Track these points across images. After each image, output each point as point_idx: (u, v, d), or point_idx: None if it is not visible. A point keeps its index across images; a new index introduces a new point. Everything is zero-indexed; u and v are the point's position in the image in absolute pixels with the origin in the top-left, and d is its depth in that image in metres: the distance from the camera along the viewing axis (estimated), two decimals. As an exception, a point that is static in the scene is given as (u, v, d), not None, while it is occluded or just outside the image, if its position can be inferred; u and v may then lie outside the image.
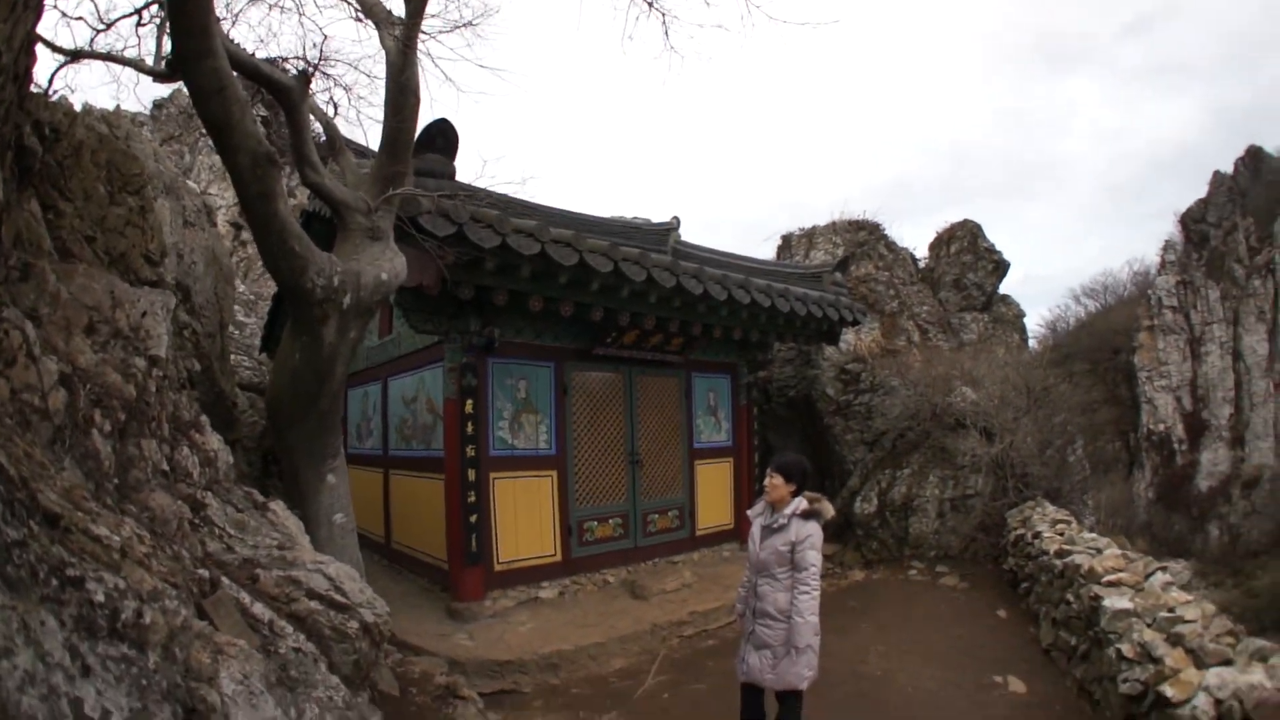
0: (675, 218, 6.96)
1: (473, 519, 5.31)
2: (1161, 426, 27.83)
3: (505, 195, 5.09)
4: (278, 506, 3.63)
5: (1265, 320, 27.28)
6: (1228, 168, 33.22)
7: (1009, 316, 11.36)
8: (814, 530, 3.68)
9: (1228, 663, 3.72)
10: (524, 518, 5.68)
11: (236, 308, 9.75)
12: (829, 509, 3.81)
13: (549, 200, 6.81)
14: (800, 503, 3.76)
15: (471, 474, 5.31)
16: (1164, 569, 5.12)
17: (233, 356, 8.12)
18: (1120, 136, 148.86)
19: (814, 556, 3.69)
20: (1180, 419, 27.78)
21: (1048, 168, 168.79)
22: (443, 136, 4.84)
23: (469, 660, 4.60)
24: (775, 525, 3.75)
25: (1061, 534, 6.26)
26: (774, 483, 3.79)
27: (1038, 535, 6.39)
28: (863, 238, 10.90)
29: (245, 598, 2.31)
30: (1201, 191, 33.68)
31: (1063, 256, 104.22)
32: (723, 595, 5.90)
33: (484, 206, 4.80)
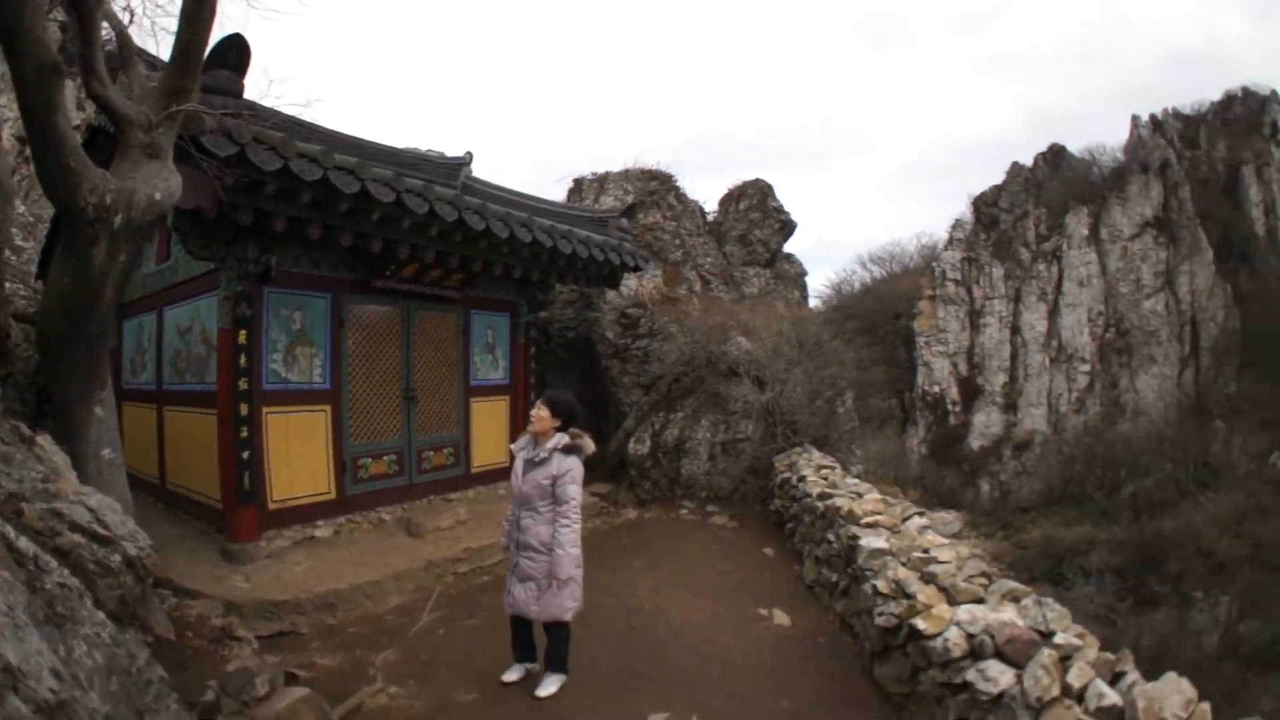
0: (469, 153, 8.62)
1: (245, 456, 6.65)
2: (936, 388, 37.61)
3: (295, 118, 6.29)
4: (45, 440, 4.33)
5: (1046, 301, 37.98)
6: (1029, 161, 44.87)
7: (791, 274, 14.86)
8: (574, 465, 4.85)
9: (980, 601, 4.96)
10: (298, 455, 7.16)
11: (15, 230, 9.91)
12: (590, 445, 4.97)
13: (343, 127, 8.05)
14: (562, 437, 4.88)
15: (244, 408, 6.64)
16: (921, 514, 7.12)
17: (8, 285, 8.12)
18: (931, 120, 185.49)
19: (574, 490, 4.82)
20: (955, 383, 37.59)
21: (855, 141, 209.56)
22: (235, 52, 5.80)
23: (245, 602, 5.73)
24: (537, 459, 4.88)
25: (825, 479, 8.54)
26: (540, 414, 4.94)
27: (803, 479, 8.69)
28: (654, 187, 13.49)
29: (10, 531, 2.65)
30: (999, 179, 45.16)
31: (857, 225, 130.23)
32: (496, 532, 7.34)
33: (270, 128, 5.84)
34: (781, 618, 6.66)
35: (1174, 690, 3.83)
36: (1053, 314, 37.88)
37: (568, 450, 4.85)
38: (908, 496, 32.55)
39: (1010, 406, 37.20)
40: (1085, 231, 38.48)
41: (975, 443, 36.85)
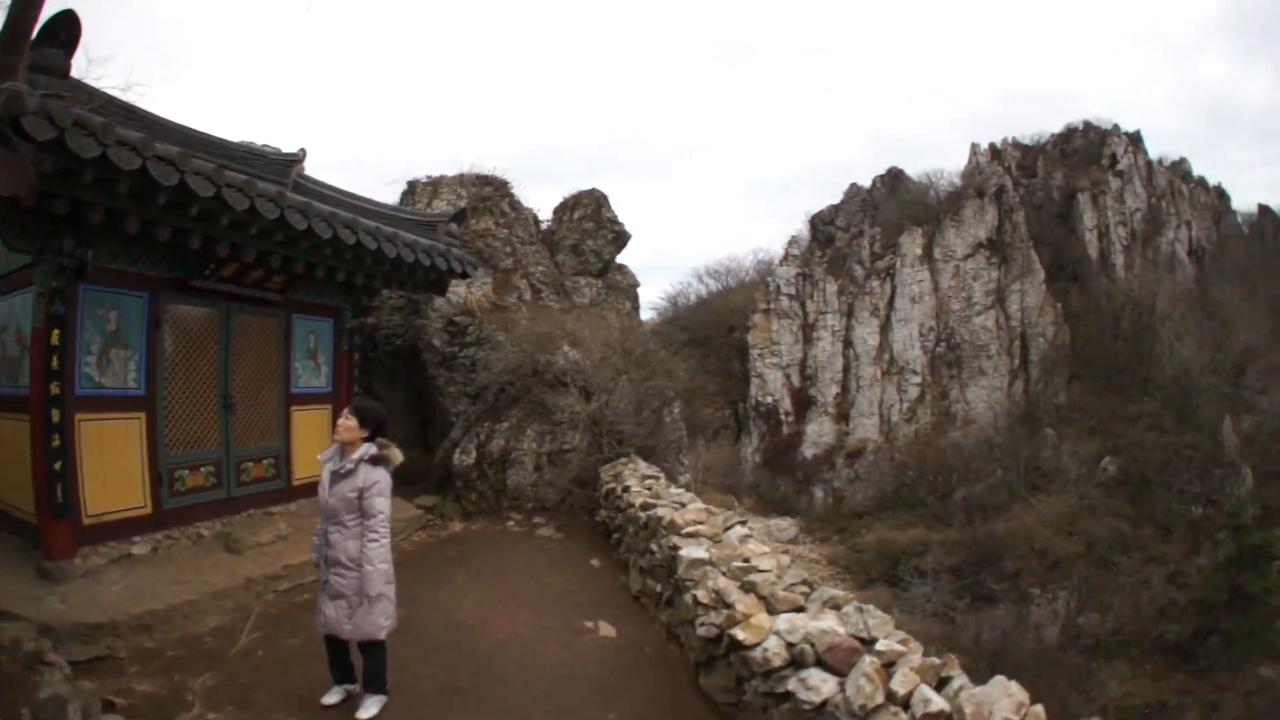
0: (302, 149, 9.37)
1: (58, 466, 7.02)
2: (769, 399, 42.56)
3: (124, 103, 6.77)
4: None
5: (878, 316, 43.69)
6: (867, 183, 51.98)
7: (623, 285, 16.41)
8: (381, 476, 5.23)
9: (800, 609, 5.42)
10: (112, 465, 7.60)
11: None
12: (397, 455, 5.39)
13: (180, 116, 8.40)
14: (369, 448, 5.25)
15: (55, 415, 7.01)
16: (743, 523, 7.87)
17: None
18: (775, 141, 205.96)
19: (381, 503, 5.19)
20: (788, 393, 42.63)
21: (698, 156, 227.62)
22: (66, 30, 6.06)
23: (61, 625, 5.99)
24: (344, 470, 5.23)
25: (649, 489, 9.43)
26: (347, 424, 5.29)
27: (627, 489, 9.63)
28: (488, 193, 14.63)
29: None
30: (837, 199, 52.00)
31: (697, 239, 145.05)
32: (316, 548, 8.69)
33: (95, 111, 6.12)
34: (608, 629, 7.33)
35: (1003, 694, 4.10)
36: (885, 328, 43.59)
37: (375, 461, 5.25)
38: (742, 504, 36.83)
39: (843, 416, 42.55)
40: (919, 251, 44.38)
41: (808, 451, 41.87)
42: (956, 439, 40.96)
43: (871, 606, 5.23)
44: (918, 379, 43.16)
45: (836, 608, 5.37)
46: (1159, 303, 44.91)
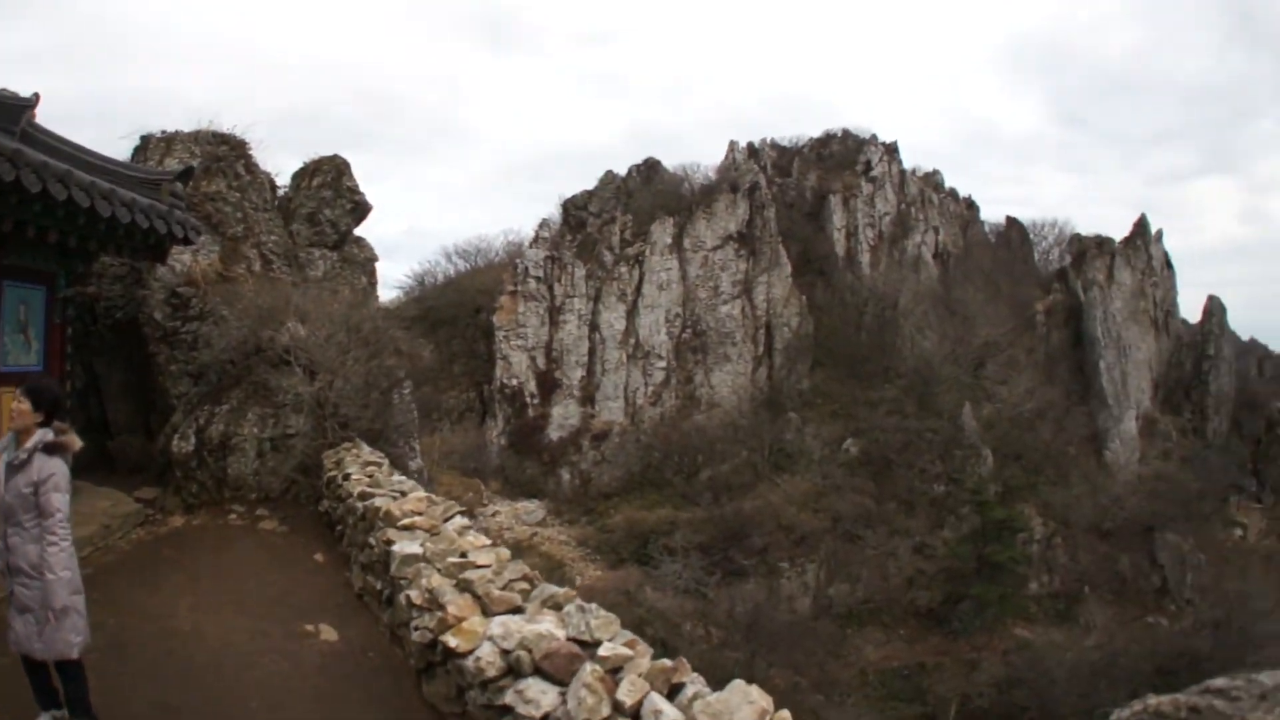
0: (36, 94, 9.05)
1: None
2: (515, 381, 45.13)
3: None
4: None
5: (625, 301, 47.03)
6: (624, 171, 55.33)
7: (360, 259, 16.75)
8: (58, 468, 4.89)
9: (517, 610, 5.44)
10: None
11: None
12: (75, 442, 5.09)
13: None
14: (44, 434, 4.94)
15: None
16: (464, 513, 7.98)
17: None
18: (536, 125, 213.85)
19: (59, 500, 4.84)
20: (534, 376, 45.35)
21: (459, 135, 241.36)
22: None
23: None
24: (17, 462, 4.90)
25: (370, 476, 9.37)
26: (20, 407, 4.97)
27: (348, 477, 9.58)
28: (223, 152, 14.47)
29: None
30: (591, 185, 54.97)
31: (452, 218, 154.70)
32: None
33: None
34: (330, 632, 7.38)
35: (743, 701, 4.04)
36: (632, 314, 47.12)
37: (50, 450, 4.95)
38: (489, 488, 38.75)
39: (588, 399, 45.93)
40: (669, 240, 48.36)
41: (554, 434, 44.91)
42: (701, 422, 45.26)
43: (594, 606, 5.25)
44: (663, 364, 47.00)
45: (557, 607, 5.44)
46: (902, 299, 51.67)
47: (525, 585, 5.94)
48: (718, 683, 4.54)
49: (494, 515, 38.33)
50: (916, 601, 39.68)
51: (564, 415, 45.45)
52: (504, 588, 5.82)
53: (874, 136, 59.71)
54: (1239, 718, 2.32)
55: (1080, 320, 55.35)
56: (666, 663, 4.58)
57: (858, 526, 40.42)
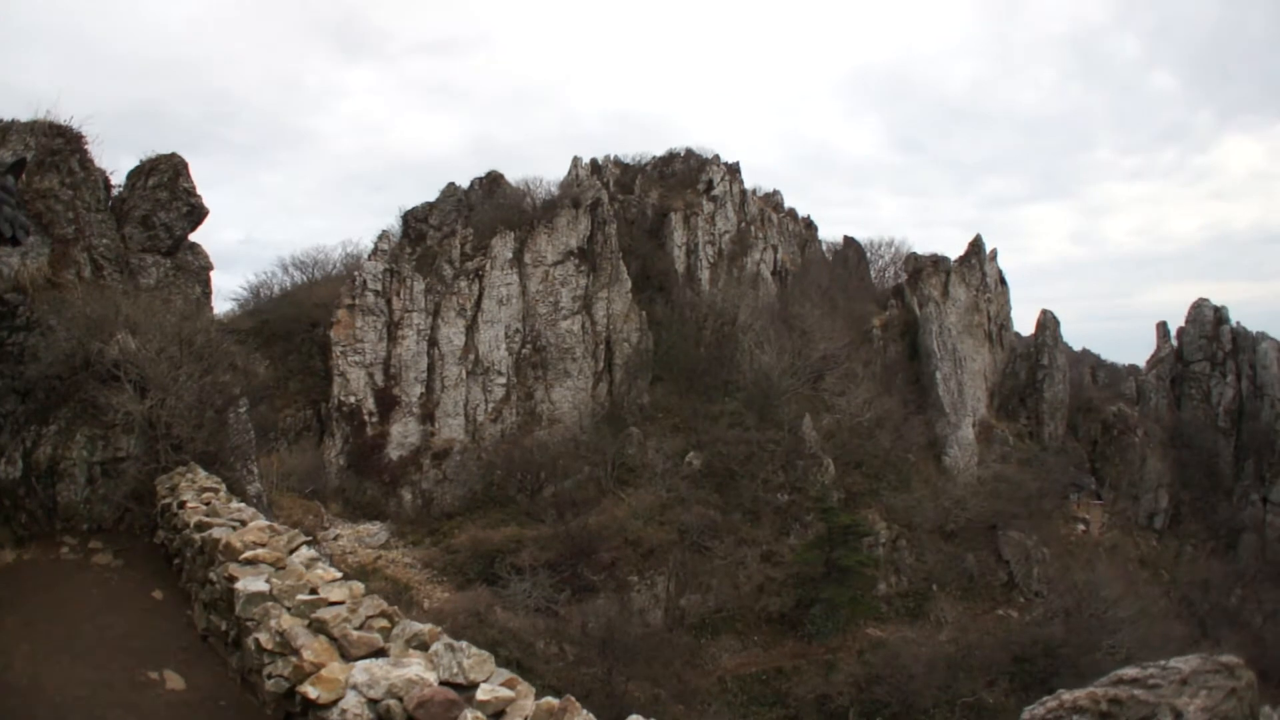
0: None
1: None
2: (352, 399, 46.01)
3: None
4: None
5: (465, 316, 48.52)
6: (466, 183, 57.38)
7: (194, 266, 17.00)
8: None
9: (380, 653, 5.31)
10: None
11: None
12: None
13: None
14: None
15: None
16: (311, 542, 7.85)
17: None
18: (382, 131, 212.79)
19: None
20: (372, 393, 46.38)
21: (301, 143, 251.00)
22: None
23: None
24: None
25: (207, 504, 9.16)
26: None
27: (183, 505, 9.36)
28: (58, 145, 14.36)
29: None
30: (433, 196, 56.68)
31: (290, 228, 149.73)
32: None
33: None
34: (176, 680, 7.17)
35: None
36: (471, 329, 48.66)
37: None
38: (329, 510, 39.02)
39: (428, 417, 47.17)
40: (510, 255, 50.19)
41: (394, 453, 46.06)
42: (543, 438, 47.28)
43: (466, 644, 5.07)
44: (503, 380, 48.73)
45: (423, 647, 5.30)
46: (741, 314, 55.18)
47: (384, 622, 5.84)
48: (578, 699, 4.69)
49: (335, 539, 38.67)
50: (768, 608, 41.90)
51: (403, 434, 46.50)
52: (361, 626, 5.72)
53: (716, 156, 63.83)
54: (1165, 703, 2.46)
55: (916, 334, 60.33)
56: (553, 701, 4.58)
57: (705, 537, 42.73)
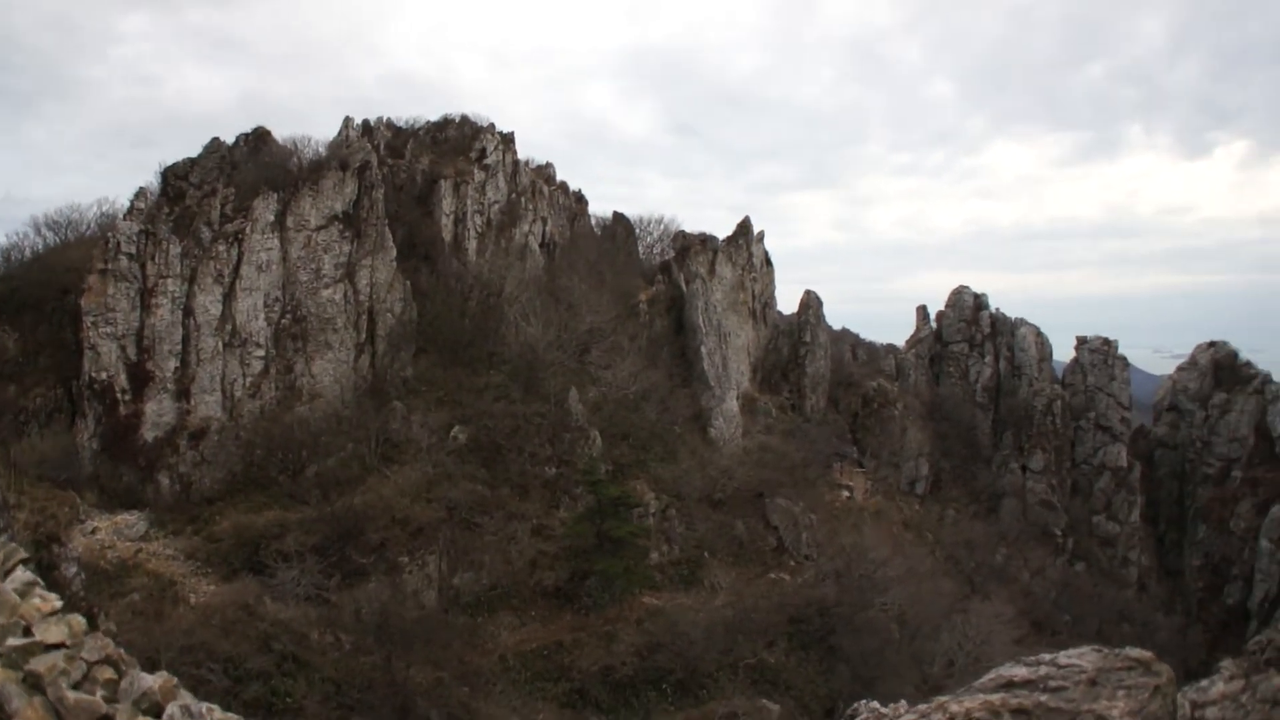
0: None
1: None
2: (104, 375, 46.30)
3: None
4: None
5: (222, 283, 49.67)
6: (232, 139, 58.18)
7: None
8: None
9: None
10: None
11: None
12: None
13: None
14: None
15: None
16: (26, 562, 7.20)
17: None
18: (155, 82, 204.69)
19: None
20: (124, 368, 46.87)
21: (71, 89, 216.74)
22: None
23: None
24: None
25: None
26: None
27: None
28: None
29: None
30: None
31: (51, 183, 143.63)
32: None
33: None
34: None
35: None
36: (229, 297, 49.83)
37: None
38: (84, 500, 40.53)
39: (184, 393, 47.94)
40: (272, 217, 51.68)
41: (150, 434, 46.56)
42: (304, 414, 49.48)
43: (206, 706, 4.73)
44: (261, 352, 50.30)
45: (155, 710, 4.92)
46: (508, 286, 59.96)
47: (110, 672, 5.45)
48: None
49: (93, 533, 39.49)
50: (543, 582, 45.16)
51: (158, 412, 47.22)
52: (84, 678, 5.35)
53: (492, 125, 68.27)
54: (1086, 710, 2.59)
55: (682, 309, 67.73)
56: None
57: (474, 514, 45.84)
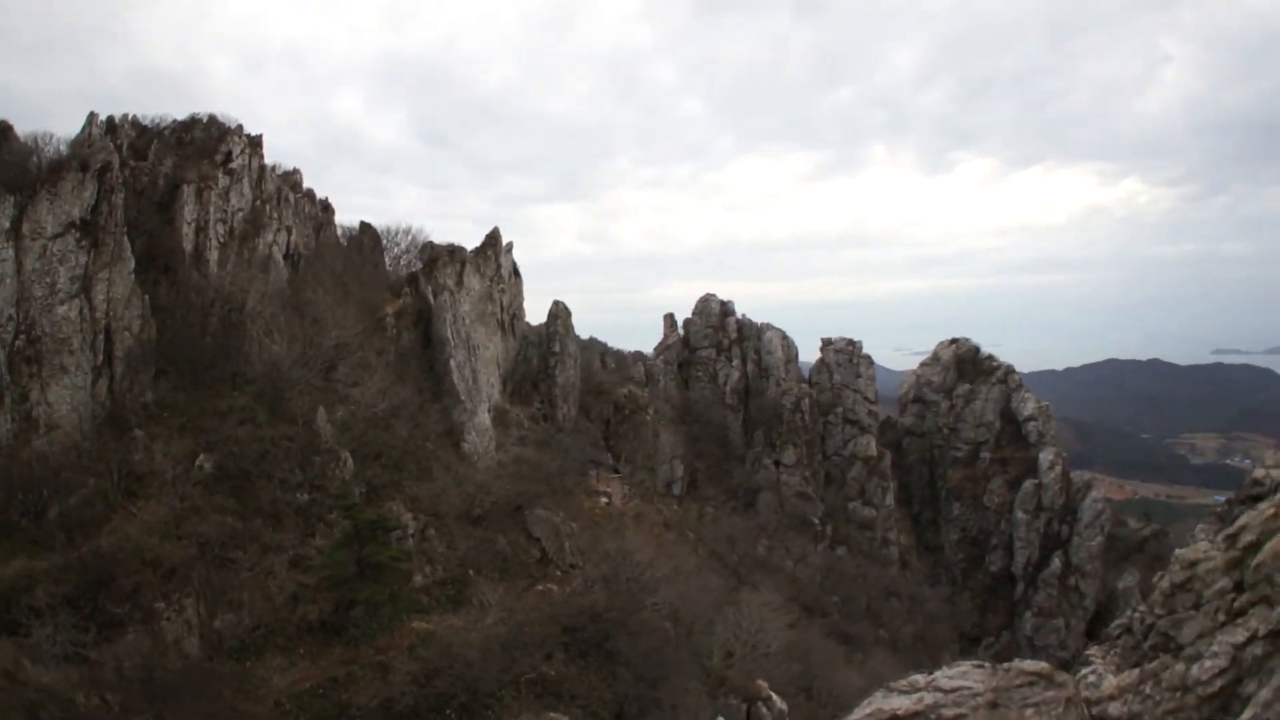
0: None
1: None
2: None
3: None
4: None
5: None
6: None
7: None
8: None
9: None
10: None
11: None
12: None
13: None
14: None
15: None
16: None
17: None
18: None
19: None
20: None
21: None
22: None
23: None
24: None
25: None
26: None
27: None
28: None
29: None
30: None
31: None
32: None
33: None
34: None
35: None
36: None
37: None
38: None
39: None
40: (8, 223, 50.55)
41: None
42: (42, 448, 48.57)
43: None
44: None
45: None
46: (250, 300, 61.24)
47: None
48: None
49: None
50: (308, 616, 45.50)
51: None
52: None
53: (240, 126, 69.23)
54: None
55: (430, 322, 71.74)
56: None
57: (227, 549, 46.06)
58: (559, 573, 57.31)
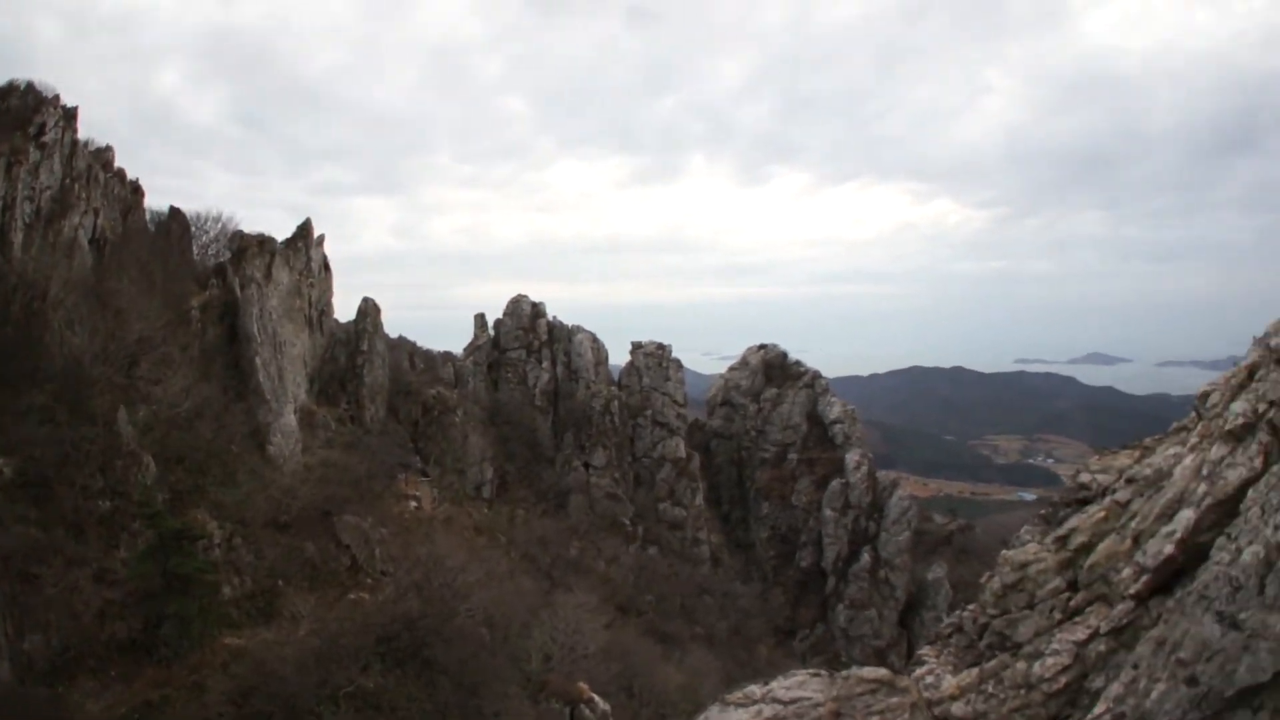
0: None
1: None
2: None
3: None
4: None
5: None
6: None
7: None
8: None
9: None
10: None
11: None
12: None
13: None
14: None
15: None
16: None
17: None
18: None
19: None
20: None
21: None
22: None
23: None
24: None
25: None
26: None
27: None
28: None
29: None
30: None
31: None
32: None
33: None
34: None
35: None
36: None
37: None
38: None
39: None
40: None
41: None
42: None
43: None
44: None
45: None
46: (54, 288, 58.91)
47: None
48: None
49: None
50: (116, 635, 43.52)
51: None
52: None
53: (57, 97, 66.01)
54: None
55: (237, 316, 71.31)
56: None
57: (30, 563, 43.78)
58: (370, 581, 57.49)
